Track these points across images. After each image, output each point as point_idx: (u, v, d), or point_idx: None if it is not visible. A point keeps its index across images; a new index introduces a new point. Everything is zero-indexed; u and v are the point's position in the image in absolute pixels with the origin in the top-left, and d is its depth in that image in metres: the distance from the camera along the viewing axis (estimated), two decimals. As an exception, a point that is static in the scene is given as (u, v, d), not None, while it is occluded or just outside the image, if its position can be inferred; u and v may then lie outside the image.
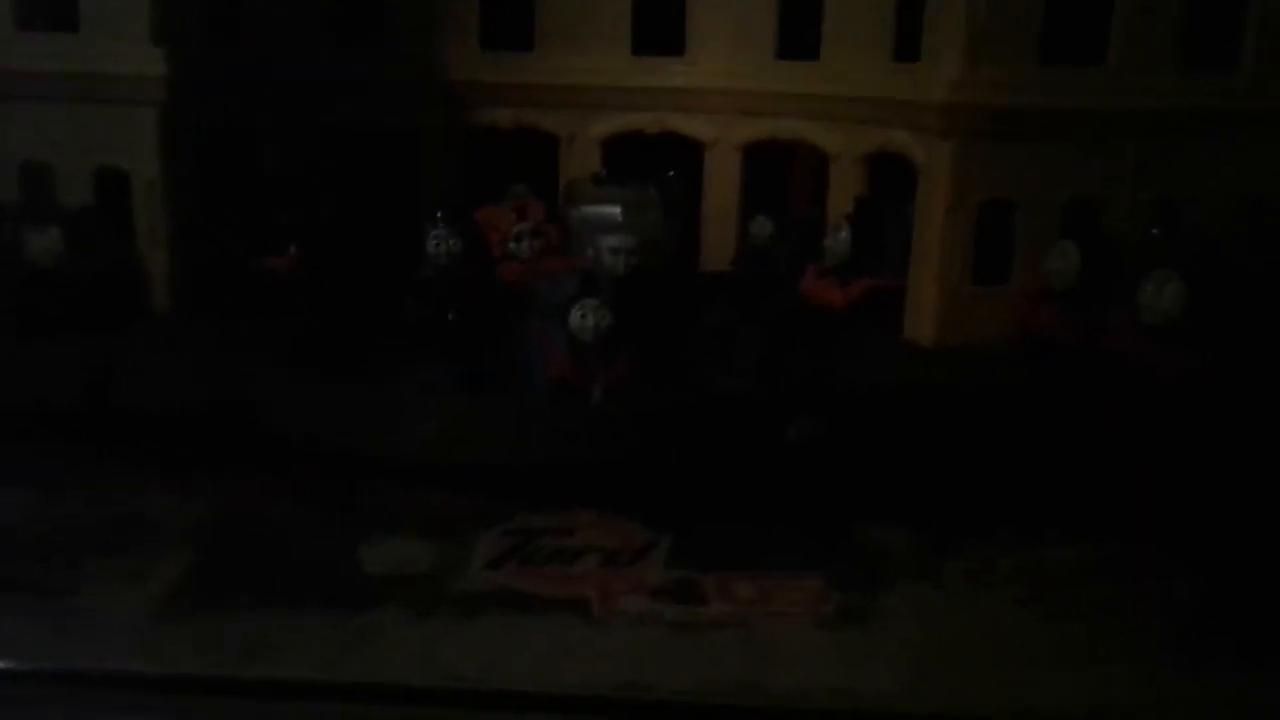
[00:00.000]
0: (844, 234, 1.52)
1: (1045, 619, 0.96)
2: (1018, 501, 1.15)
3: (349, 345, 1.31)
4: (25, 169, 1.43)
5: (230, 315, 1.38)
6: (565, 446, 1.14)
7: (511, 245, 1.45)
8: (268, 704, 0.82)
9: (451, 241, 1.35)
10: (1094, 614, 0.97)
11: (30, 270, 1.32)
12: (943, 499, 1.15)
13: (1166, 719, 0.84)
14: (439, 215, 1.37)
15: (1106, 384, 1.25)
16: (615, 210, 1.38)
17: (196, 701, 0.83)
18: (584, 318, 1.16)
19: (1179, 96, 1.39)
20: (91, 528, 1.05)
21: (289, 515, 1.10)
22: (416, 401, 1.17)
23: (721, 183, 1.75)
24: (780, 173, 1.78)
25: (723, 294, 1.57)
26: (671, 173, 1.72)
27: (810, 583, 0.99)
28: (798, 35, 1.64)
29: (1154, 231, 1.39)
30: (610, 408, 1.15)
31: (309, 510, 1.11)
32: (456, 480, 1.13)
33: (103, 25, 1.36)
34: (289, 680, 0.83)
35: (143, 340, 1.30)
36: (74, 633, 0.89)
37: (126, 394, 1.23)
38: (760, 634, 0.91)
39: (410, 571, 0.99)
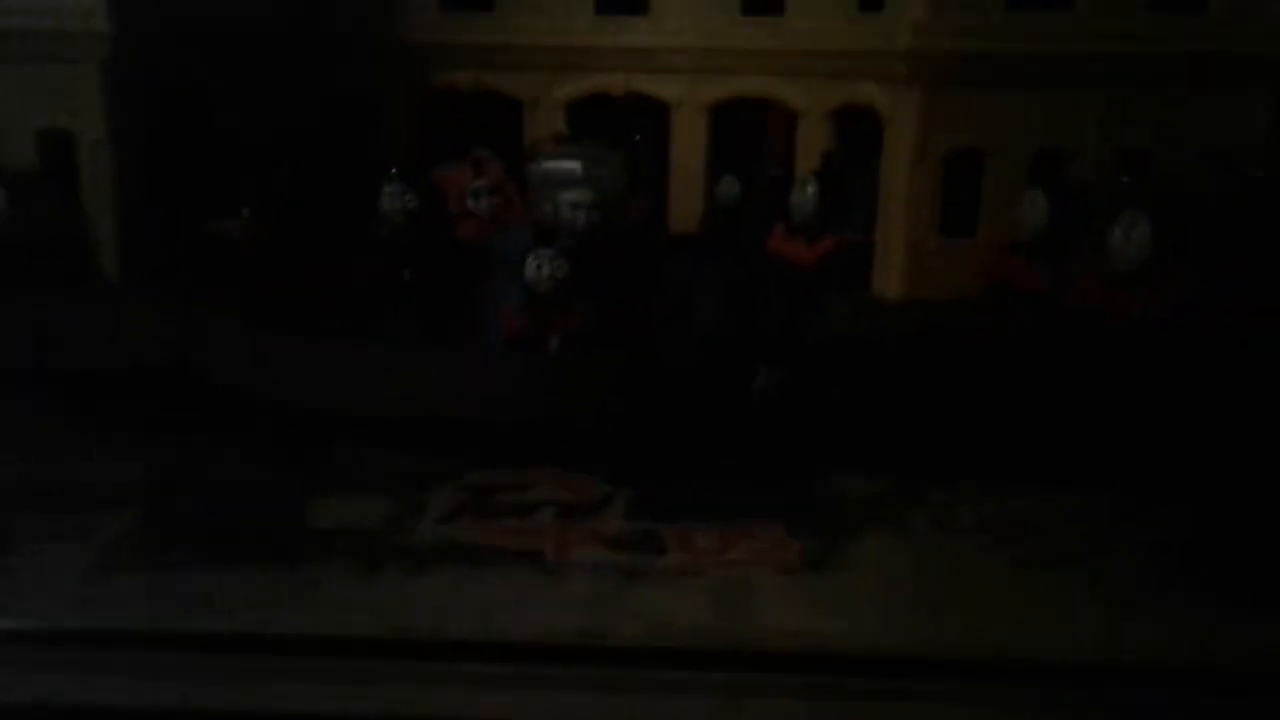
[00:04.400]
0: (810, 190, 1.49)
1: (1011, 566, 0.94)
2: (984, 451, 1.13)
3: (303, 304, 1.27)
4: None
5: (181, 279, 1.35)
6: (522, 400, 1.12)
7: (470, 202, 1.42)
8: (209, 657, 0.79)
9: (407, 198, 1.31)
10: (1060, 561, 0.95)
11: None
12: (908, 449, 1.13)
13: (1134, 661, 0.82)
14: (394, 172, 1.33)
15: (1072, 331, 1.23)
16: (575, 165, 1.35)
17: (137, 655, 0.80)
18: (539, 268, 1.13)
19: (1148, 40, 1.37)
20: (32, 487, 1.02)
21: (235, 473, 1.07)
22: (369, 356, 1.14)
23: (688, 143, 1.72)
24: (748, 132, 1.76)
25: (689, 254, 1.54)
26: (638, 136, 1.69)
27: (773, 531, 0.97)
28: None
29: (1124, 180, 1.37)
30: (568, 359, 1.12)
31: (256, 468, 1.08)
32: (410, 437, 1.10)
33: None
34: (230, 633, 0.80)
35: (88, 301, 1.27)
36: (11, 590, 0.86)
37: (70, 354, 1.19)
38: (721, 581, 0.89)
39: (359, 527, 0.96)
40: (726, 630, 0.82)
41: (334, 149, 1.59)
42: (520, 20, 1.69)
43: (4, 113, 1.37)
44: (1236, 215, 1.29)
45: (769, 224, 1.56)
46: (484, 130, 1.68)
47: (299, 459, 1.09)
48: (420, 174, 1.38)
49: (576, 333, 1.13)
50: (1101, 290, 1.22)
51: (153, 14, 1.37)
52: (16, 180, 1.34)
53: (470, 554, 0.92)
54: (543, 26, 1.69)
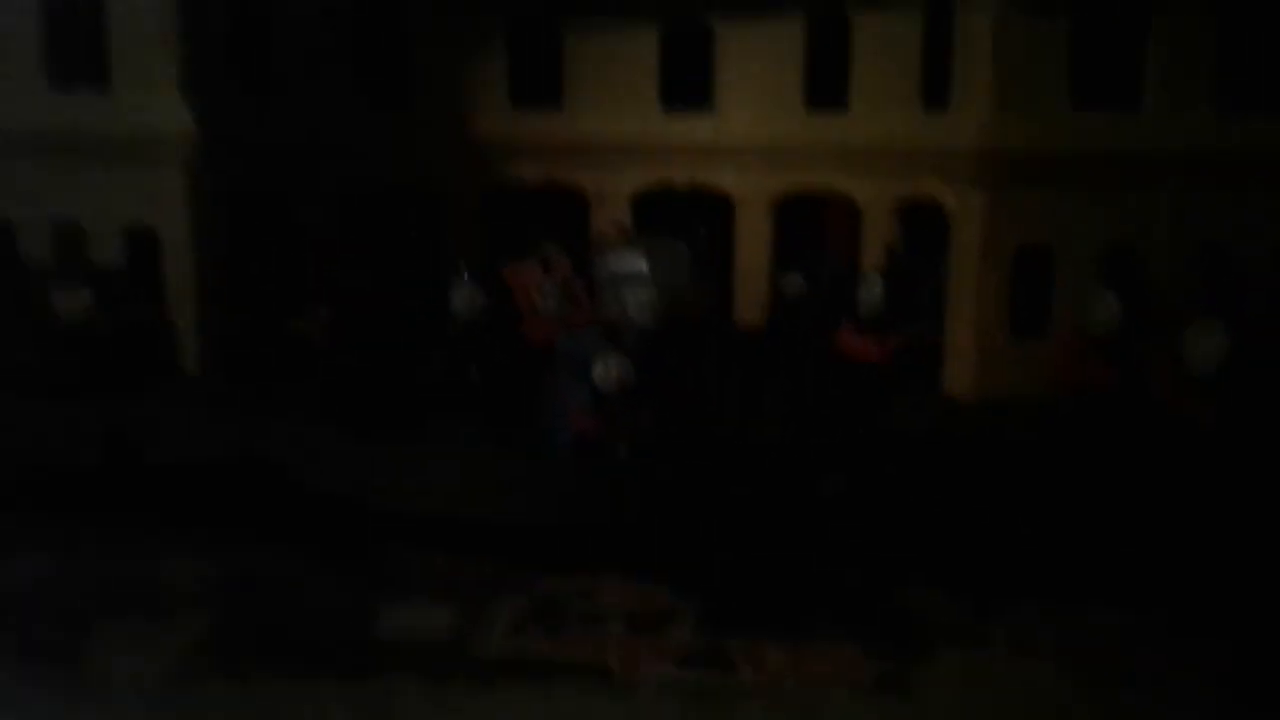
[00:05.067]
0: (877, 287, 1.49)
1: (1092, 687, 0.91)
2: (1061, 562, 1.10)
3: (376, 405, 1.29)
4: (56, 229, 1.44)
5: (260, 377, 1.38)
6: (589, 505, 1.11)
7: (538, 300, 1.43)
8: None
9: (477, 297, 1.33)
10: (1143, 682, 0.92)
11: (59, 330, 1.33)
12: (983, 560, 1.10)
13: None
14: (465, 271, 1.35)
15: (1151, 437, 1.21)
16: (642, 264, 1.37)
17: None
18: (606, 369, 1.13)
19: (1217, 138, 1.36)
20: (107, 591, 1.04)
21: (306, 578, 1.07)
22: (438, 457, 1.15)
23: (752, 237, 1.73)
24: (813, 227, 1.76)
25: (754, 349, 1.54)
26: (702, 229, 1.70)
27: (846, 650, 0.95)
28: (827, 86, 1.63)
29: (1199, 278, 1.35)
30: (636, 464, 1.12)
31: (327, 572, 1.09)
32: (478, 540, 1.11)
33: (132, 82, 1.38)
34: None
35: (167, 399, 1.30)
36: (87, 701, 0.87)
37: (148, 453, 1.22)
38: (793, 703, 0.87)
39: (429, 637, 0.96)
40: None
41: (405, 247, 1.62)
42: (588, 117, 1.73)
43: (92, 212, 1.43)
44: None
45: (835, 320, 1.56)
46: (548, 222, 1.71)
47: (370, 563, 1.10)
48: (490, 272, 1.40)
49: (644, 437, 1.13)
50: (1176, 393, 1.20)
51: (233, 118, 1.42)
52: (103, 278, 1.38)
53: (538, 669, 0.91)
54: (610, 123, 1.72)
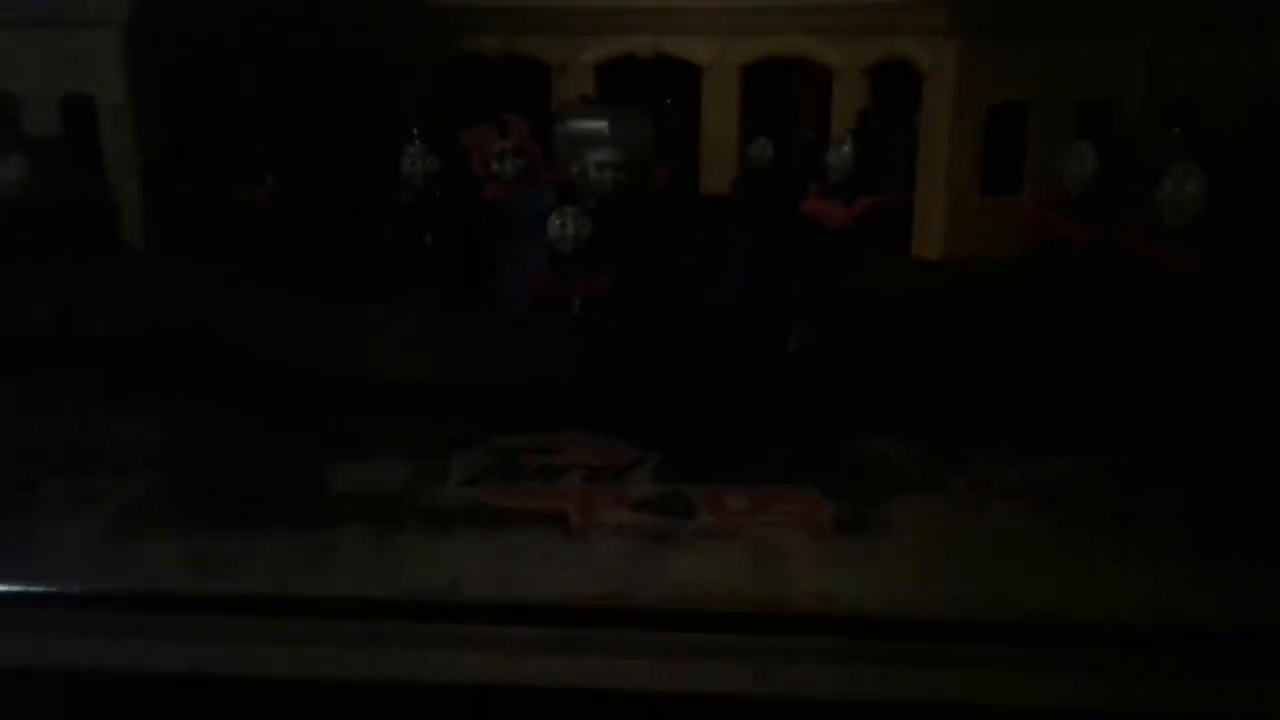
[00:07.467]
0: (845, 149, 1.45)
1: (1056, 527, 0.90)
2: (1026, 412, 1.08)
3: (327, 271, 1.25)
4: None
5: (205, 247, 1.33)
6: (548, 364, 1.08)
7: (494, 164, 1.39)
8: (219, 619, 0.77)
9: (428, 160, 1.28)
10: (1108, 521, 0.90)
11: (-7, 201, 1.28)
12: (948, 410, 1.08)
13: (1188, 624, 0.78)
14: (415, 133, 1.30)
15: (1120, 288, 1.18)
16: (602, 125, 1.31)
17: (149, 619, 0.78)
18: (563, 226, 1.10)
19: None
20: (50, 453, 1.01)
21: (254, 439, 1.05)
22: (392, 321, 1.12)
23: (720, 106, 1.68)
24: (783, 93, 1.71)
25: (721, 217, 1.50)
26: (668, 100, 1.65)
27: (807, 493, 0.93)
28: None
29: (1175, 131, 1.31)
30: (594, 321, 1.09)
31: (276, 434, 1.06)
32: (433, 403, 1.08)
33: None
34: (241, 595, 0.78)
35: (111, 270, 1.25)
36: (30, 553, 0.84)
37: (93, 322, 1.18)
38: (752, 545, 0.85)
39: (379, 491, 0.93)
40: (757, 593, 0.79)
41: (360, 114, 1.56)
42: (549, -17, 1.66)
43: (28, 79, 1.36)
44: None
45: (803, 186, 1.52)
46: (511, 96, 1.65)
47: (319, 425, 1.07)
48: (443, 136, 1.35)
49: (601, 295, 1.10)
50: (1151, 245, 1.17)
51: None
52: (39, 148, 1.32)
53: (493, 517, 0.89)
54: (571, -11, 1.66)
